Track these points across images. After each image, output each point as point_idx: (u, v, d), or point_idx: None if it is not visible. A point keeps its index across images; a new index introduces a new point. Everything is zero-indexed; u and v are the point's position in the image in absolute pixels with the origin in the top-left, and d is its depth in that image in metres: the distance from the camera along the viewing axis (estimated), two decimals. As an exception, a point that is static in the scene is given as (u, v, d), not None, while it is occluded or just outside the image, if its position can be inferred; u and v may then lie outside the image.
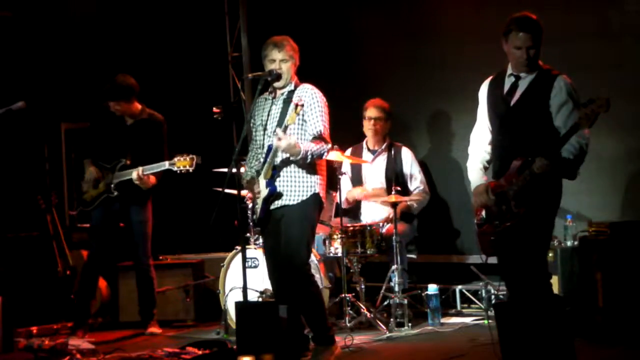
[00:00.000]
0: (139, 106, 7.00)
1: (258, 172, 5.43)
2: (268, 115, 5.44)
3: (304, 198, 5.34)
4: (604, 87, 6.13)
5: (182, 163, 6.52)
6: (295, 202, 5.33)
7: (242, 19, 8.71)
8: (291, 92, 5.39)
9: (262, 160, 5.41)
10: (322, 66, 7.62)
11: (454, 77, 7.43)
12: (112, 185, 6.81)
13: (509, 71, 4.87)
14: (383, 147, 7.22)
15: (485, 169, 4.97)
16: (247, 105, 8.25)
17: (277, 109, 5.42)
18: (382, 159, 7.22)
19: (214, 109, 8.46)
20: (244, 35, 8.71)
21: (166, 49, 8.76)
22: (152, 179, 6.80)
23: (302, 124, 5.34)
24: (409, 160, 7.17)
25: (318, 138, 5.29)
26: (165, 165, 6.59)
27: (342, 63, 8.12)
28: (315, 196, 5.37)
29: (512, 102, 4.81)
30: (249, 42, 8.67)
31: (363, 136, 7.30)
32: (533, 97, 4.74)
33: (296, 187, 5.33)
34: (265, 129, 5.42)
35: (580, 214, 6.45)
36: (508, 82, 4.86)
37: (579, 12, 6.71)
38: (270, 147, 5.30)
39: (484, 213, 4.89)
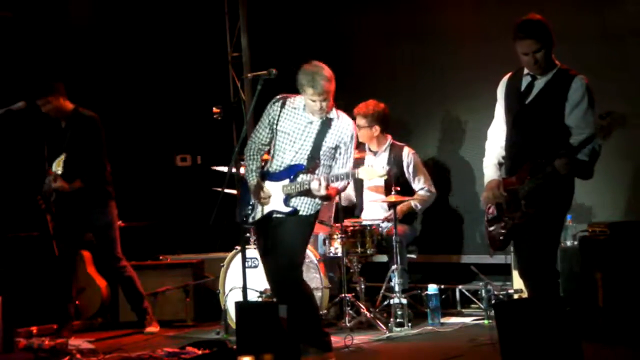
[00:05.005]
0: (70, 105, 6.92)
1: (262, 176, 5.41)
2: (302, 131, 5.32)
3: (312, 212, 5.40)
4: (604, 87, 6.14)
5: (57, 163, 6.52)
6: (303, 214, 5.37)
7: (242, 19, 8.70)
8: (330, 120, 5.32)
9: (278, 171, 5.36)
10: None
11: (454, 77, 7.43)
12: (52, 195, 6.87)
13: (526, 70, 4.87)
14: (384, 147, 7.19)
15: (501, 165, 4.99)
16: (246, 105, 8.25)
17: (313, 129, 5.32)
18: (383, 160, 7.20)
19: (214, 109, 8.46)
20: (244, 35, 8.71)
21: (166, 49, 8.76)
22: (76, 183, 6.72)
23: (331, 156, 5.35)
24: (410, 160, 7.14)
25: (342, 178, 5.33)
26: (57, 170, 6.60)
27: (342, 63, 8.09)
28: (319, 209, 5.47)
29: (527, 101, 4.82)
30: (249, 42, 8.66)
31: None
32: (549, 97, 4.76)
33: (308, 202, 5.37)
34: (294, 142, 5.32)
35: (580, 214, 6.45)
36: (525, 81, 4.87)
37: (579, 12, 6.71)
38: (301, 168, 5.29)
39: (494, 209, 4.91)
